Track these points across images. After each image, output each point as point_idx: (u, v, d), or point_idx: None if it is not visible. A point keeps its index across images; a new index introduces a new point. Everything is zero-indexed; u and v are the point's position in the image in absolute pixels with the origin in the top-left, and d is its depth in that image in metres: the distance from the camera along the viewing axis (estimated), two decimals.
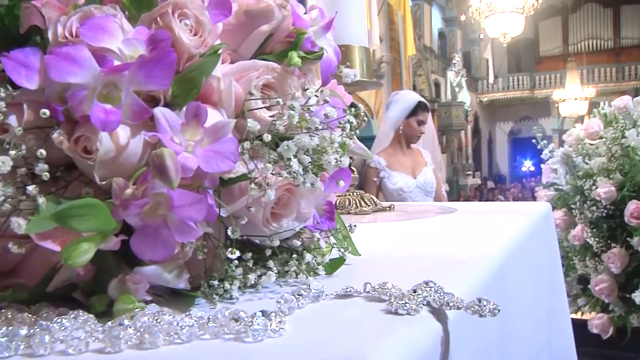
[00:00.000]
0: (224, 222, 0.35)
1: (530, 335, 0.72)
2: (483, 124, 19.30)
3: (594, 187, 1.60)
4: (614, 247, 1.59)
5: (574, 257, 1.72)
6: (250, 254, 0.37)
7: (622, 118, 1.69)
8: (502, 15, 10.87)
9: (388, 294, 0.32)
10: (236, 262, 0.36)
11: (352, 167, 0.91)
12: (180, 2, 0.37)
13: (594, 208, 1.63)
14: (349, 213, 0.85)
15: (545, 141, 1.90)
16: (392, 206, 0.90)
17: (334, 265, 0.42)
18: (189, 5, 0.37)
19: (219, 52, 0.36)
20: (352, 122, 0.38)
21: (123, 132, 0.33)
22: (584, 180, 1.65)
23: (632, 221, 1.53)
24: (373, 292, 0.34)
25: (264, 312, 0.29)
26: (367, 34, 0.90)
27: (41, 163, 0.31)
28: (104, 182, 0.33)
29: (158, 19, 0.36)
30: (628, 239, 1.54)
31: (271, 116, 0.36)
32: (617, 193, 1.58)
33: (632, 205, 1.53)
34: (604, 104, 1.81)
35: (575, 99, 14.87)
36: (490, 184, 16.12)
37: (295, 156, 0.34)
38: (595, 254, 1.65)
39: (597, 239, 1.61)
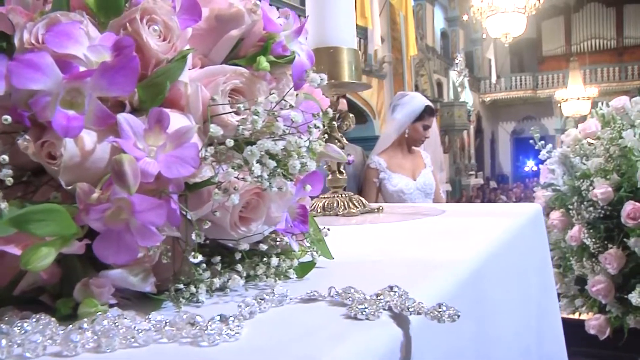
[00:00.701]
0: (195, 226, 0.35)
1: (515, 337, 0.72)
2: (485, 123, 19.26)
3: (591, 188, 1.59)
4: (611, 247, 1.58)
5: (571, 258, 1.72)
6: (219, 258, 0.37)
7: (620, 118, 1.68)
8: (504, 15, 10.85)
9: (351, 299, 0.33)
10: (204, 265, 0.36)
11: (341, 170, 0.91)
12: (149, 8, 0.37)
13: (591, 209, 1.62)
14: (337, 215, 0.85)
15: (542, 141, 1.90)
16: (381, 208, 0.90)
17: (304, 269, 0.42)
18: (158, 10, 0.37)
19: (186, 57, 0.36)
20: (318, 127, 0.38)
21: (89, 138, 0.33)
22: (581, 180, 1.64)
23: (629, 222, 1.52)
24: (337, 297, 0.34)
25: (222, 316, 0.29)
26: (355, 36, 0.90)
27: (5, 168, 0.31)
28: (70, 187, 0.33)
29: (127, 24, 0.37)
30: (625, 239, 1.54)
31: (238, 121, 0.36)
32: (614, 194, 1.57)
33: (628, 206, 1.52)
34: (602, 104, 1.80)
35: (578, 98, 14.82)
36: (493, 184, 16.08)
37: (260, 161, 0.34)
38: (592, 254, 1.64)
39: (593, 240, 1.60)
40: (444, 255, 0.53)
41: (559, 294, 1.75)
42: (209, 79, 0.38)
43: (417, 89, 11.99)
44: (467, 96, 14.10)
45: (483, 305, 0.53)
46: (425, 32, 14.09)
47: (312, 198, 0.49)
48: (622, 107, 1.71)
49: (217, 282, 0.36)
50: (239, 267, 0.38)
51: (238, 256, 0.38)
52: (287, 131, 0.37)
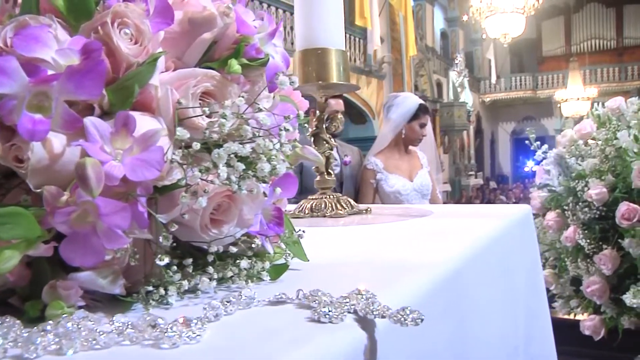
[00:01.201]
0: (161, 228, 0.36)
1: (501, 338, 0.72)
2: (485, 124, 19.28)
3: (586, 189, 1.59)
4: (606, 248, 1.58)
5: (566, 259, 1.72)
6: (190, 260, 0.37)
7: (616, 119, 1.68)
8: (503, 15, 10.87)
9: (317, 301, 0.33)
10: (175, 267, 0.36)
11: (329, 171, 0.91)
12: (120, 11, 0.37)
13: (586, 209, 1.62)
14: (325, 216, 0.86)
15: (538, 142, 1.90)
16: (369, 209, 0.90)
17: (278, 271, 0.42)
18: (129, 14, 0.37)
19: (156, 61, 0.36)
20: (288, 129, 0.38)
21: (57, 141, 0.33)
22: (576, 181, 1.64)
23: (623, 222, 1.52)
24: (304, 299, 0.34)
25: (185, 319, 0.29)
26: (344, 37, 0.90)
27: None
28: (39, 190, 0.33)
29: (98, 28, 0.37)
30: (619, 240, 1.53)
31: (207, 124, 0.36)
32: (608, 194, 1.57)
33: (623, 207, 1.52)
34: (598, 104, 1.81)
35: (578, 99, 14.82)
36: (493, 184, 16.09)
37: (228, 164, 0.34)
38: (587, 255, 1.64)
39: (588, 241, 1.60)
40: (424, 257, 0.53)
41: (554, 295, 1.75)
42: (180, 82, 0.38)
43: (416, 89, 11.99)
44: (467, 96, 14.12)
45: (463, 306, 0.53)
46: (425, 32, 14.10)
47: (290, 201, 0.49)
48: (618, 108, 1.71)
49: (186, 284, 0.36)
50: (210, 269, 0.38)
51: (210, 258, 0.38)
52: (257, 134, 0.37)
